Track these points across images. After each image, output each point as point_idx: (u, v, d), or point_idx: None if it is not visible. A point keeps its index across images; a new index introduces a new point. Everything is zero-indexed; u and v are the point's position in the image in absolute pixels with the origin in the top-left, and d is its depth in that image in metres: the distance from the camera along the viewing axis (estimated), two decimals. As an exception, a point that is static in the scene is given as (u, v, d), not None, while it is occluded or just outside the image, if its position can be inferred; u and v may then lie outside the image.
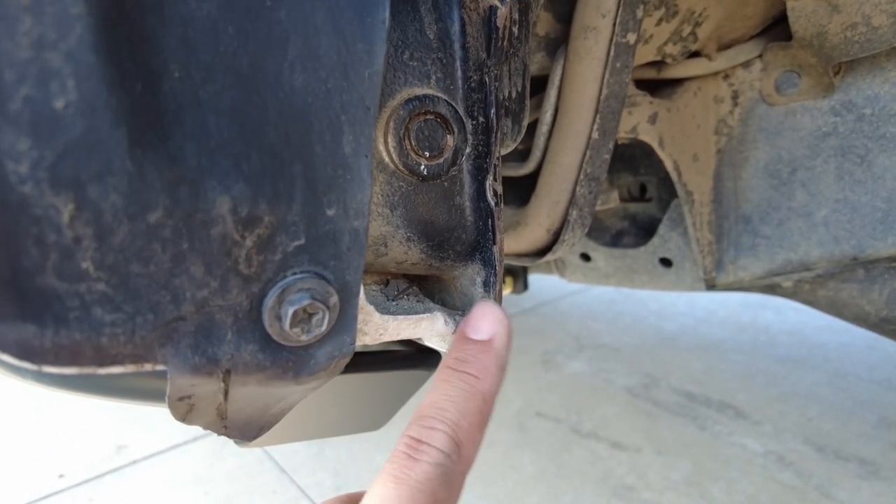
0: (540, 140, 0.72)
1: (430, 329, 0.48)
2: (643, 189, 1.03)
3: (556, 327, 2.31)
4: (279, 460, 1.50)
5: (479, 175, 0.48)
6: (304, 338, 0.38)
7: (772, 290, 0.96)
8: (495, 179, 0.49)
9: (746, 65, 0.87)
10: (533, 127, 0.74)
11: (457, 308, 0.53)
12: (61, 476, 1.47)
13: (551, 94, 0.71)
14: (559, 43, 0.72)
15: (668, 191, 1.00)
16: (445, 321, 0.49)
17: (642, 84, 0.86)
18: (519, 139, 0.59)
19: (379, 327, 0.45)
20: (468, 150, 0.48)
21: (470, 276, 0.51)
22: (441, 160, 0.47)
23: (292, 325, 0.37)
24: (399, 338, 0.47)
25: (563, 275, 1.17)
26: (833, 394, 1.70)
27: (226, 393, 0.39)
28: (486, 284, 0.51)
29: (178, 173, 0.33)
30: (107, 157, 0.30)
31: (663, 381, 1.82)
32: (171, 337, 0.35)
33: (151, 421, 1.69)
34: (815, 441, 1.48)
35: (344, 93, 0.38)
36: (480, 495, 1.33)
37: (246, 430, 0.46)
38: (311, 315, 0.38)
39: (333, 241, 0.39)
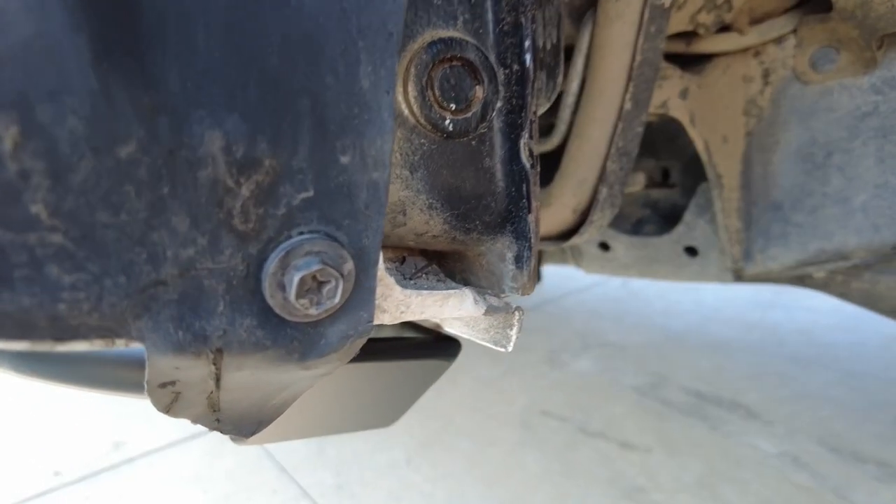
0: (565, 112, 0.65)
1: (458, 308, 0.40)
2: (665, 174, 0.96)
3: (561, 325, 2.24)
4: (279, 458, 1.44)
5: (511, 132, 0.41)
6: (312, 311, 0.30)
7: (802, 281, 0.89)
8: (531, 137, 0.41)
9: (779, 41, 0.80)
10: (556, 100, 0.67)
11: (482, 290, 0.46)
12: (57, 474, 1.41)
13: (578, 62, 0.63)
14: (585, 8, 0.65)
15: (692, 176, 0.93)
16: (475, 300, 0.41)
17: (670, 59, 0.79)
18: (553, 97, 0.52)
19: (400, 304, 0.37)
20: (499, 103, 0.40)
21: (499, 251, 0.44)
22: (469, 114, 0.39)
23: (298, 296, 0.30)
24: (422, 317, 0.39)
25: (580, 265, 1.10)
26: (846, 394, 1.63)
27: (217, 379, 0.32)
28: (517, 260, 0.43)
29: (158, 98, 0.25)
30: (62, 69, 0.23)
31: (671, 379, 1.75)
32: (148, 306, 0.27)
33: (149, 417, 1.62)
34: (829, 442, 1.41)
35: (362, 14, 0.30)
36: (484, 496, 1.26)
37: (242, 425, 0.38)
38: (321, 284, 0.30)
39: (348, 195, 0.31)
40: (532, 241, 0.42)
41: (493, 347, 0.46)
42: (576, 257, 1.10)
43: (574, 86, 0.64)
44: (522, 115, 0.41)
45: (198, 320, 0.28)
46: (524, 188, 0.42)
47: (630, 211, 1.00)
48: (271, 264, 0.30)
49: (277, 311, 0.30)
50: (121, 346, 0.27)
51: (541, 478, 1.33)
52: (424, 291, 0.38)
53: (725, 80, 0.82)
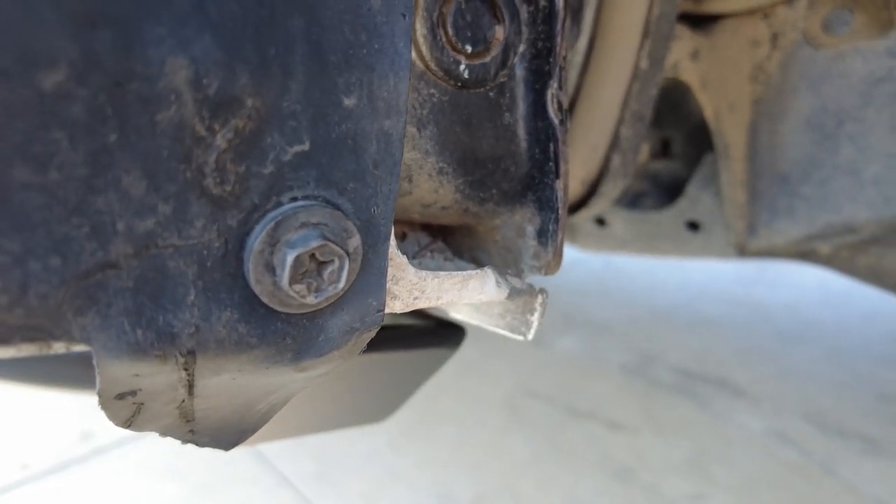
0: (572, 73, 0.58)
1: (479, 291, 0.33)
2: (665, 145, 0.90)
3: (543, 304, 2.20)
4: (258, 446, 1.37)
5: (537, 81, 0.34)
6: (310, 300, 0.23)
7: (806, 256, 0.84)
8: (560, 88, 0.34)
9: (790, 1, 0.74)
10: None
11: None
12: (24, 467, 1.33)
13: (587, 15, 0.56)
14: (594, -41, 0.58)
15: (695, 147, 0.86)
16: (497, 282, 0.34)
17: (678, 18, 0.73)
18: (575, 45, 0.45)
19: (413, 288, 0.30)
20: (522, 46, 0.33)
21: (517, 224, 0.37)
22: (487, 58, 0.32)
23: (293, 281, 0.22)
24: (438, 303, 0.32)
25: (574, 242, 1.04)
26: (831, 370, 1.61)
27: (190, 385, 0.24)
28: (540, 235, 0.36)
29: (97, 5, 0.18)
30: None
31: (658, 358, 1.71)
32: (93, 297, 0.20)
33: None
34: (815, 418, 1.39)
35: None
36: (471, 481, 1.20)
37: (221, 437, 0.31)
38: (322, 265, 0.23)
39: (353, 149, 0.23)
40: (559, 211, 0.35)
41: (510, 335, 0.39)
42: (570, 234, 1.03)
43: (582, 43, 0.57)
44: (550, 60, 0.34)
45: (161, 314, 0.21)
46: (551, 148, 0.35)
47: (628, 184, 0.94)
48: (256, 240, 0.22)
49: (265, 299, 0.23)
50: (59, 349, 0.20)
51: (529, 461, 1.29)
52: (442, 273, 0.31)
53: (734, 44, 0.76)
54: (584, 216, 0.60)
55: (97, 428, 1.47)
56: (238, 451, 1.35)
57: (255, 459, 1.34)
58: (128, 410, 0.25)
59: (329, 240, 0.23)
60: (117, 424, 0.26)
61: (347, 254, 0.24)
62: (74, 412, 1.55)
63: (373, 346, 0.47)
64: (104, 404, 0.24)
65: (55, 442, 1.41)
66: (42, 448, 1.39)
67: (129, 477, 1.28)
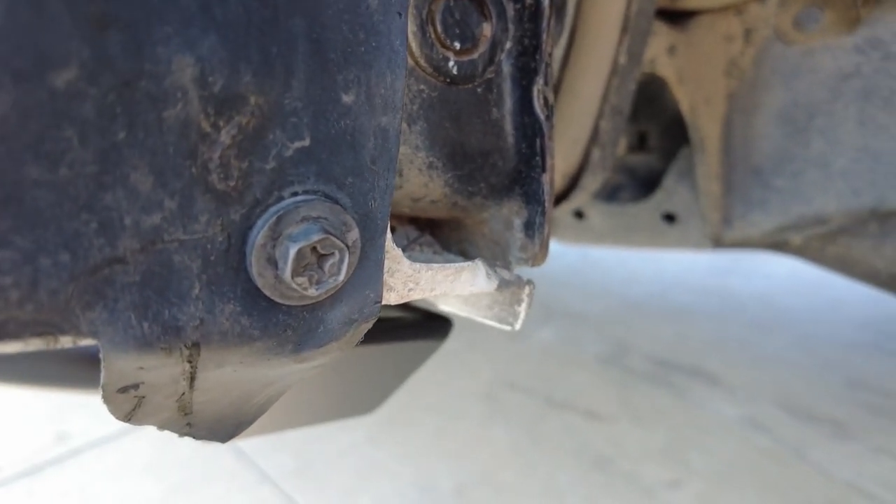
0: (553, 67, 0.59)
1: (471, 283, 0.34)
2: (642, 139, 0.92)
3: (521, 296, 2.22)
4: (237, 442, 1.36)
5: (523, 78, 0.35)
6: (311, 292, 0.24)
7: (779, 247, 0.86)
8: (546, 84, 0.35)
9: (762, -2, 0.76)
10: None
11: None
12: (-4, 469, 1.28)
13: (568, 12, 0.57)
14: (573, -44, 0.59)
15: (671, 140, 0.88)
16: (487, 274, 0.35)
17: (655, 14, 0.74)
18: (558, 41, 0.46)
19: (408, 280, 0.31)
20: (509, 43, 0.34)
21: (505, 217, 0.38)
22: (475, 55, 0.33)
23: (295, 274, 0.23)
24: (431, 295, 0.33)
25: (553, 234, 1.05)
26: (802, 357, 1.65)
27: (192, 378, 0.25)
28: (527, 227, 0.37)
29: (107, 6, 0.18)
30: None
31: (635, 348, 1.73)
32: (101, 292, 0.20)
33: (95, 403, 1.51)
34: (787, 404, 1.42)
35: None
36: (452, 472, 1.21)
37: (218, 429, 0.31)
38: (322, 258, 0.24)
39: (352, 145, 0.24)
40: (546, 204, 0.36)
41: (498, 326, 0.40)
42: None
43: (563, 39, 0.58)
44: (536, 57, 0.34)
45: (167, 307, 0.21)
46: (537, 143, 0.36)
47: (606, 177, 0.96)
48: (259, 234, 0.23)
49: (267, 292, 0.24)
50: (66, 343, 0.21)
51: (509, 451, 1.30)
52: (435, 265, 0.32)
53: (709, 39, 0.77)
54: (565, 209, 0.61)
55: (73, 429, 1.43)
56: (217, 448, 1.33)
57: (234, 456, 1.32)
58: (129, 404, 0.25)
59: (329, 233, 0.24)
60: (118, 418, 0.26)
61: (347, 247, 0.25)
62: (49, 413, 1.52)
63: (363, 338, 0.48)
64: (107, 398, 0.24)
65: (29, 444, 1.37)
66: (15, 450, 1.35)
67: (106, 478, 1.25)
